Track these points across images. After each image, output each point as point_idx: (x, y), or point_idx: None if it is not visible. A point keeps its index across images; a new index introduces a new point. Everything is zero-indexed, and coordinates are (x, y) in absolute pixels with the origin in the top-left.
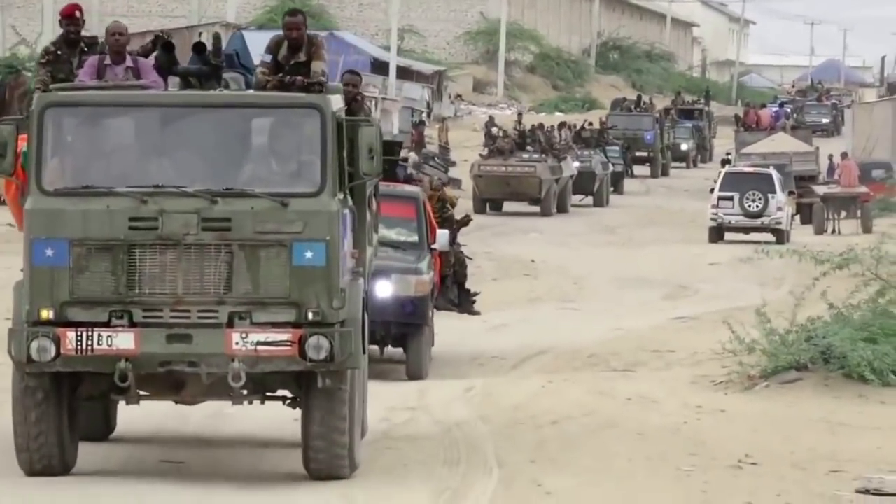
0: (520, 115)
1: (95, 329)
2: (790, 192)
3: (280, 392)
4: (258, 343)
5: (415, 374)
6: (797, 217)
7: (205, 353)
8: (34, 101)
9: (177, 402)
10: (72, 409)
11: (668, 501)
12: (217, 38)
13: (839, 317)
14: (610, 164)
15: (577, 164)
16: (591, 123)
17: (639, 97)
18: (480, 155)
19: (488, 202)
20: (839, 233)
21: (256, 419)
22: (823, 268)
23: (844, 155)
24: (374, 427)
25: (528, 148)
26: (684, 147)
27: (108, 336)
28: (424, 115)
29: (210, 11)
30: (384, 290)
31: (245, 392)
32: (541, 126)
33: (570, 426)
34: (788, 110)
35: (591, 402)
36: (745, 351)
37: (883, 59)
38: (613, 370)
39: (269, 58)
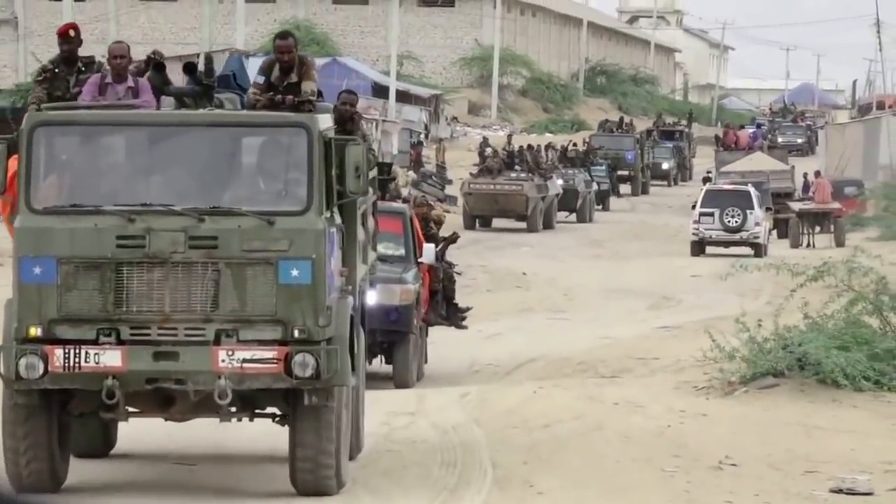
0: (509, 136)
1: (83, 346)
2: (767, 209)
3: (268, 409)
4: (244, 360)
5: (401, 383)
6: (774, 232)
7: (191, 371)
8: (25, 120)
9: (166, 420)
10: (63, 425)
11: (654, 500)
12: (209, 59)
13: (814, 326)
14: (595, 183)
15: (561, 182)
16: (574, 144)
17: (621, 119)
18: (471, 174)
19: (478, 218)
20: (814, 246)
21: (253, 432)
22: (799, 279)
23: (818, 173)
24: (374, 430)
25: (516, 167)
26: (665, 166)
27: (96, 353)
28: (422, 136)
29: (220, 39)
30: (369, 299)
31: (233, 409)
32: (529, 147)
33: (561, 429)
34: (765, 131)
35: (581, 406)
36: (725, 358)
37: (854, 82)
38: (601, 376)
39: (261, 79)
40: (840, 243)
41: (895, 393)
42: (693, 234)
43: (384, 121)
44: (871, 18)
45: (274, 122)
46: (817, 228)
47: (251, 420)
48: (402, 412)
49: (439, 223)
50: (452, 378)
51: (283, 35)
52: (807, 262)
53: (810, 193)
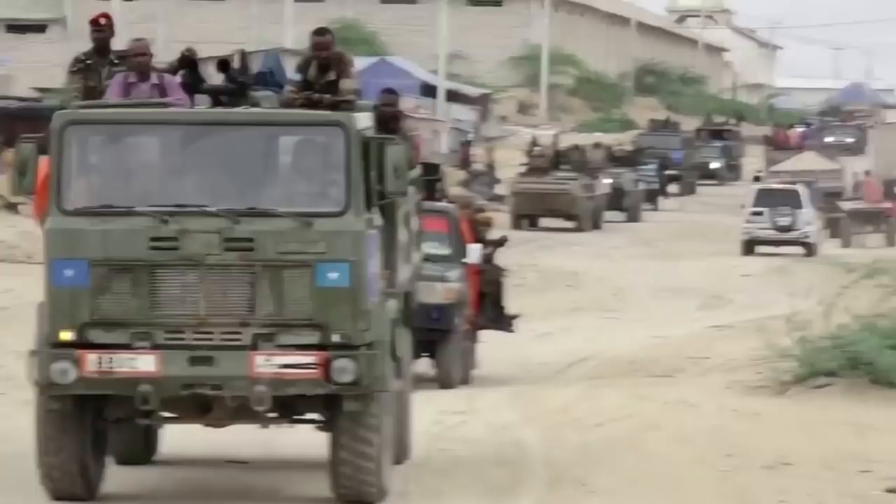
0: (556, 136)
1: (117, 351)
2: (818, 208)
3: (309, 415)
4: (282, 366)
5: (445, 382)
6: (825, 231)
7: (228, 376)
8: (54, 118)
9: (205, 426)
10: (98, 431)
11: (707, 500)
12: (244, 56)
13: (866, 325)
14: (643, 182)
15: (608, 181)
16: (621, 144)
17: (667, 118)
18: (518, 173)
19: (525, 218)
20: (865, 246)
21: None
22: (852, 277)
23: (868, 173)
24: (427, 430)
25: (564, 167)
26: (713, 165)
27: (130, 358)
28: (471, 135)
29: (269, 38)
30: None
31: (273, 415)
32: (576, 146)
33: (613, 429)
34: (814, 130)
35: (633, 405)
36: (777, 358)
37: None
38: (653, 376)
39: (298, 77)
40: (892, 242)
41: None
42: (744, 233)
43: (433, 120)
44: None
45: (311, 120)
46: (868, 228)
47: (291, 426)
48: (454, 411)
49: (487, 226)
50: (504, 377)
51: (320, 31)
52: (859, 262)
53: (860, 193)
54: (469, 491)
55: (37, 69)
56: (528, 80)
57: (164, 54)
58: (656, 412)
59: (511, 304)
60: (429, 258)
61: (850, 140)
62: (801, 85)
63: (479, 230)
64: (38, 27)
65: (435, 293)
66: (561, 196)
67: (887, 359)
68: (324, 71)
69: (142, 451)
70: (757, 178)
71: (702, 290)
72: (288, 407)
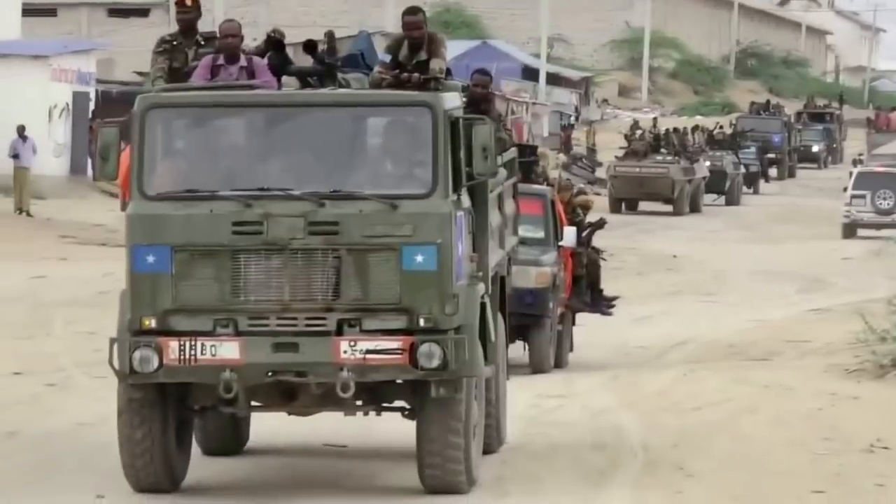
0: (655, 119)
1: (199, 338)
2: None
3: (396, 402)
4: (367, 351)
5: (537, 367)
6: None
7: (312, 363)
8: (136, 102)
9: (289, 414)
10: (182, 421)
11: (805, 483)
12: (331, 37)
13: None
14: (743, 166)
15: (707, 164)
16: (721, 127)
17: (767, 101)
18: (616, 157)
19: (623, 201)
20: None
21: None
22: None
23: None
24: (524, 413)
25: (662, 150)
26: (815, 149)
27: (212, 345)
28: (573, 118)
29: (371, 22)
30: None
31: (359, 403)
32: (675, 130)
33: (711, 412)
34: None
35: (731, 389)
36: (877, 341)
37: None
38: (751, 359)
39: (387, 58)
40: None
41: None
42: (844, 216)
43: (534, 103)
44: None
45: (397, 101)
46: None
47: (378, 414)
48: (551, 395)
49: (586, 208)
50: (602, 361)
51: (412, 10)
52: None
53: None
54: (566, 475)
55: (138, 53)
56: (630, 63)
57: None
58: (754, 396)
59: (610, 287)
60: (523, 241)
61: None
62: None
63: (577, 213)
64: (141, 11)
65: (528, 277)
66: (659, 179)
67: None
68: (415, 51)
69: (231, 440)
70: (858, 162)
71: (801, 273)
72: (374, 394)
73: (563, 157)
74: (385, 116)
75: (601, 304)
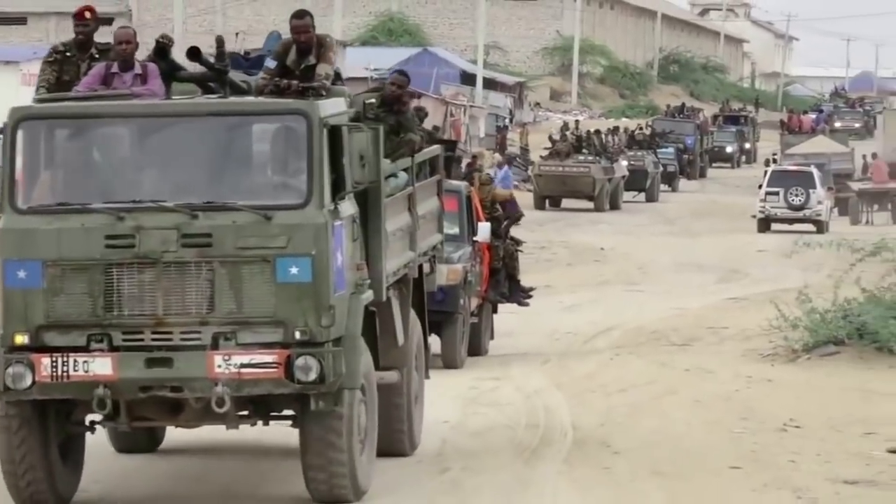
0: (576, 122)
1: (71, 354)
2: (829, 188)
3: (285, 411)
4: (242, 365)
5: (449, 363)
6: (835, 210)
7: (186, 378)
8: (8, 114)
9: (176, 427)
10: (69, 436)
11: (723, 460)
12: (220, 42)
13: (872, 298)
14: (661, 165)
15: (625, 163)
16: (642, 128)
17: (682, 105)
18: (541, 157)
19: (547, 199)
20: (872, 224)
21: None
22: (859, 255)
23: (875, 155)
24: (463, 394)
25: (584, 151)
26: (728, 149)
27: (85, 361)
28: (507, 121)
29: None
30: None
31: (245, 413)
32: (596, 132)
33: (636, 394)
34: (826, 116)
35: (654, 372)
36: (789, 327)
37: None
38: (673, 344)
39: (273, 64)
40: None
41: None
42: (759, 211)
43: (472, 106)
44: None
45: (272, 109)
46: (875, 207)
47: (265, 424)
48: (488, 377)
49: (505, 201)
50: (534, 346)
51: (299, 14)
52: (866, 239)
53: (868, 174)
54: (501, 451)
55: None
56: (560, 68)
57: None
58: (676, 379)
59: (542, 277)
60: None
61: (857, 125)
62: (814, 74)
63: (495, 207)
64: (108, 20)
65: (439, 274)
66: (581, 178)
67: (891, 328)
68: (303, 55)
69: (144, 440)
70: (769, 162)
71: (719, 264)
72: (260, 404)
73: (498, 157)
74: (261, 125)
75: (518, 294)
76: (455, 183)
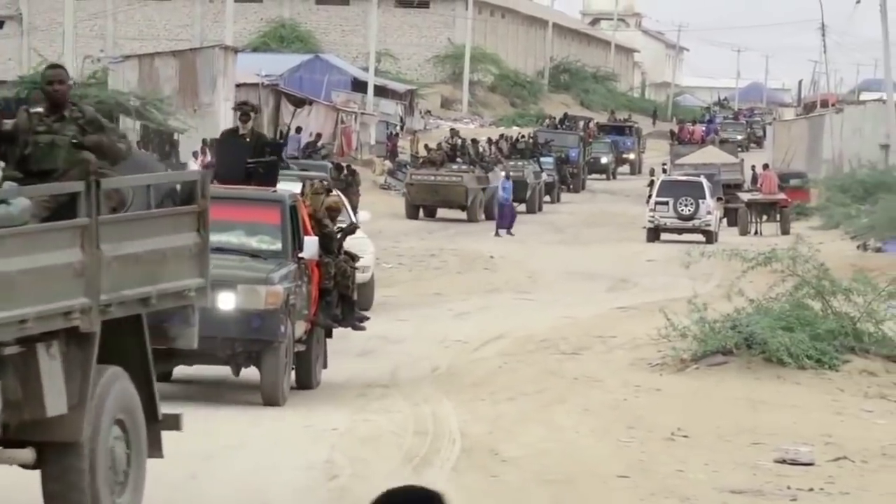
0: (452, 130)
1: None
2: (718, 198)
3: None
4: None
5: (268, 398)
6: (724, 220)
7: None
8: None
9: None
10: None
11: (611, 469)
12: None
13: (760, 308)
14: (544, 174)
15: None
16: (523, 136)
17: (564, 115)
18: (413, 165)
19: (420, 208)
20: (761, 234)
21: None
22: (748, 265)
23: (766, 166)
24: (351, 402)
25: (458, 160)
26: (604, 160)
27: None
28: (398, 128)
29: (211, 35)
30: (226, 302)
31: None
32: (473, 140)
33: (524, 402)
34: (716, 127)
35: (543, 380)
36: (678, 337)
37: (800, 82)
38: (562, 353)
39: None
40: (785, 231)
41: (835, 371)
42: (649, 221)
43: (362, 113)
44: (817, 23)
45: None
46: (764, 217)
47: None
48: (376, 384)
49: (335, 211)
50: (423, 353)
51: None
52: (755, 249)
53: (758, 185)
54: (389, 458)
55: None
56: (451, 76)
57: (113, 51)
58: (564, 387)
59: (431, 284)
60: (256, 254)
61: (739, 137)
62: (704, 84)
63: (329, 217)
64: None
65: (256, 298)
66: (453, 187)
67: (779, 339)
68: None
69: None
70: (653, 172)
71: (609, 273)
72: None
73: (388, 164)
74: None
75: (352, 318)
76: (276, 192)
